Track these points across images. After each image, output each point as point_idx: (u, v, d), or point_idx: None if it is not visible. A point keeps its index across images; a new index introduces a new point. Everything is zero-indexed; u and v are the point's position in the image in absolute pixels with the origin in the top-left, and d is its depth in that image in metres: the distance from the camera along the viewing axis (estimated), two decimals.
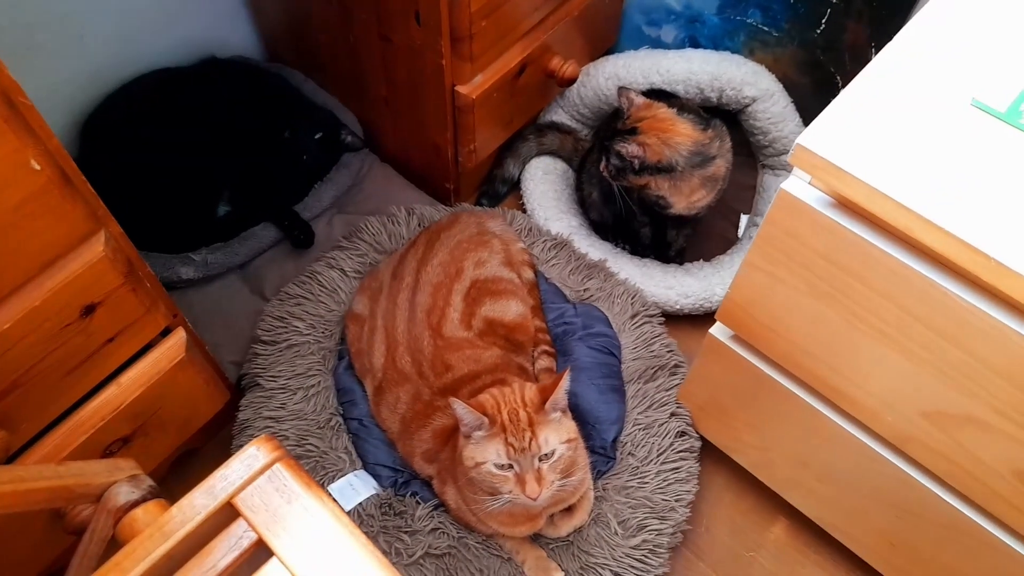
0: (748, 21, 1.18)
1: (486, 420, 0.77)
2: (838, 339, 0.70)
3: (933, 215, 0.55)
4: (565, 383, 0.78)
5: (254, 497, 0.56)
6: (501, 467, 0.77)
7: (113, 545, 0.59)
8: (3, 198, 0.59)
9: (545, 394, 0.79)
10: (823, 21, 1.10)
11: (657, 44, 1.31)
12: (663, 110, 1.01)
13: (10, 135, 0.57)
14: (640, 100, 1.03)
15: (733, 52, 1.23)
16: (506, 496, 0.78)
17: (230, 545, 0.54)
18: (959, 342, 0.60)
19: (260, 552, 0.55)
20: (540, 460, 0.77)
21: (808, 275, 0.67)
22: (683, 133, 1.00)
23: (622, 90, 1.05)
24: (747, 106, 1.20)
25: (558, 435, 0.79)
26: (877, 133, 0.59)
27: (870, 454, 0.77)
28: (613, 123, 1.07)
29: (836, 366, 0.73)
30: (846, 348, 0.70)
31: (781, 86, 1.20)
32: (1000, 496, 0.68)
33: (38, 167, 0.60)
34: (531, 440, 0.77)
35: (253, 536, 0.55)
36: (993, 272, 0.54)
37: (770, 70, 1.21)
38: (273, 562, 0.54)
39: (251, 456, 0.58)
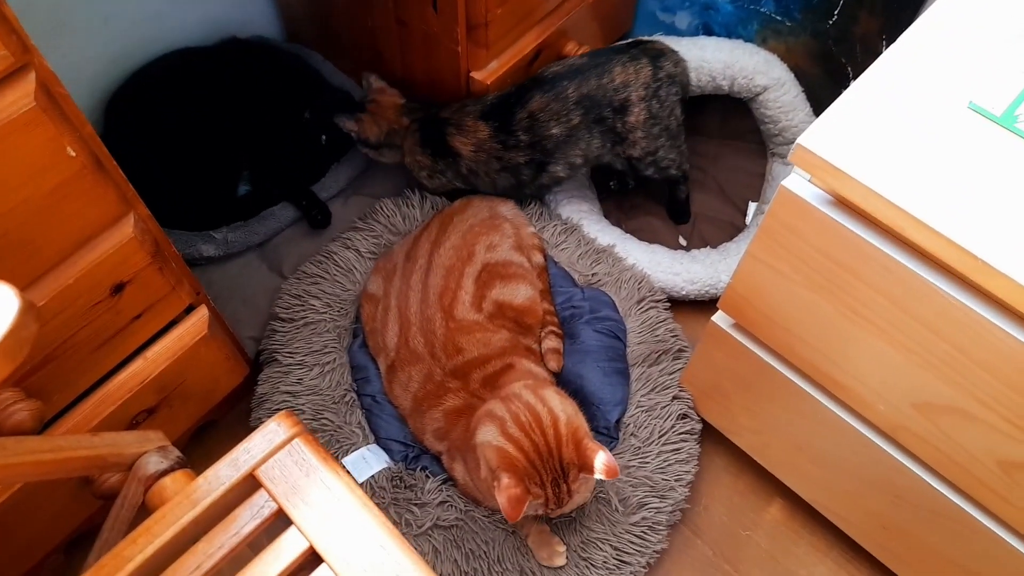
0: (762, 10, 1.19)
1: (527, 497, 0.78)
2: (833, 330, 0.72)
3: (925, 215, 0.57)
4: (610, 475, 0.79)
5: (274, 469, 0.60)
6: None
7: (143, 511, 0.63)
8: (41, 182, 0.62)
9: (587, 468, 0.79)
10: (836, 12, 1.10)
11: (671, 30, 1.32)
12: (387, 96, 1.14)
13: (48, 124, 0.60)
14: (377, 84, 1.15)
15: (746, 41, 1.24)
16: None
17: (252, 514, 0.58)
18: (946, 336, 0.63)
19: (280, 521, 0.59)
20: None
21: (806, 269, 0.70)
22: (389, 117, 1.12)
23: (365, 73, 1.16)
24: (758, 95, 1.21)
25: (587, 492, 0.84)
26: (876, 134, 0.61)
27: (862, 441, 0.80)
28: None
29: (831, 356, 0.75)
30: (841, 339, 0.72)
31: (792, 75, 1.21)
32: (984, 484, 0.71)
33: (73, 153, 0.63)
34: (566, 501, 0.82)
35: (274, 506, 0.59)
36: (980, 272, 0.56)
37: (782, 59, 1.22)
38: (292, 530, 0.58)
39: (272, 431, 0.61)
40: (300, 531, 0.58)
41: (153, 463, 0.62)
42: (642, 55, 1.06)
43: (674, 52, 1.11)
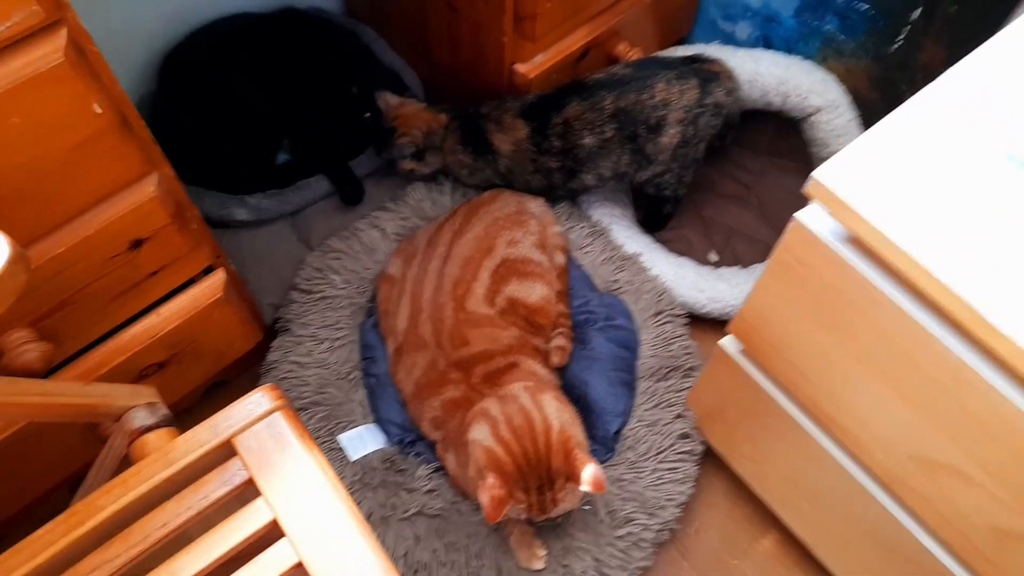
0: (825, 28, 1.15)
1: (511, 501, 0.79)
2: (837, 370, 0.70)
3: (937, 268, 0.55)
4: (597, 489, 0.78)
5: (251, 440, 0.61)
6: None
7: (126, 463, 0.65)
8: (66, 137, 0.64)
9: (574, 477, 0.79)
10: (901, 37, 1.06)
11: (730, 40, 1.29)
12: (409, 106, 1.15)
13: (77, 80, 0.62)
14: (394, 100, 1.16)
15: (806, 58, 1.20)
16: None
17: (224, 480, 0.60)
18: (952, 394, 0.60)
19: (249, 490, 0.60)
20: None
21: (815, 304, 0.68)
22: (423, 121, 1.13)
23: (378, 93, 1.16)
24: (811, 115, 1.17)
25: (573, 501, 0.83)
26: (898, 176, 0.59)
27: (857, 486, 0.77)
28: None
29: (833, 395, 0.73)
30: (844, 380, 0.70)
31: (848, 99, 1.17)
32: (977, 549, 0.68)
33: (100, 111, 0.65)
34: (550, 510, 0.82)
35: (245, 475, 0.60)
36: (988, 333, 0.53)
37: (840, 81, 1.17)
38: (259, 501, 0.59)
39: (255, 402, 0.63)
40: (267, 503, 0.59)
41: (140, 418, 0.64)
42: (692, 75, 1.03)
43: (731, 79, 1.07)
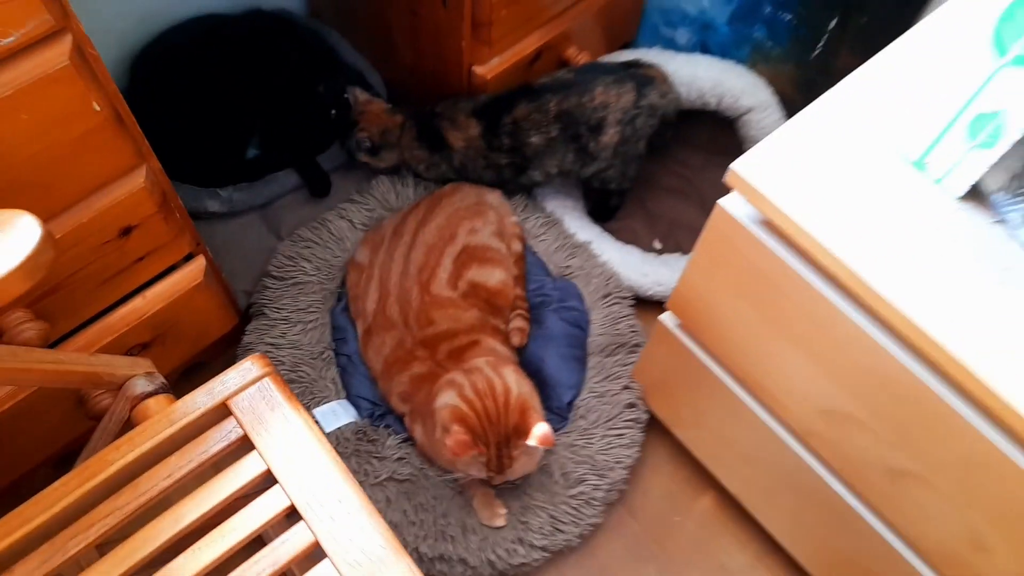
0: (754, 35, 1.26)
1: (473, 451, 0.88)
2: (758, 337, 0.81)
3: (830, 243, 0.65)
4: (544, 444, 0.89)
5: (244, 401, 0.69)
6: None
7: (127, 427, 0.72)
8: (67, 131, 0.71)
9: (526, 431, 0.89)
10: (820, 45, 1.18)
11: (671, 44, 1.40)
12: (374, 104, 1.24)
13: (78, 80, 0.68)
14: (363, 97, 1.24)
15: (739, 62, 1.31)
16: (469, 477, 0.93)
17: (220, 437, 0.67)
18: (848, 352, 0.71)
19: (244, 446, 0.68)
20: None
21: (738, 279, 0.78)
22: (382, 119, 1.22)
23: (350, 88, 1.25)
24: (743, 115, 1.29)
25: (529, 464, 0.94)
26: (802, 167, 0.69)
27: (779, 442, 0.88)
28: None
29: (755, 360, 0.84)
30: (763, 345, 0.81)
31: (777, 100, 1.28)
32: (875, 487, 0.79)
33: (98, 108, 0.72)
34: (508, 467, 0.91)
35: (240, 432, 0.68)
36: (875, 299, 0.64)
37: (770, 84, 1.29)
38: (253, 455, 0.67)
39: (246, 369, 0.70)
40: (260, 455, 0.67)
41: (140, 385, 0.71)
42: (629, 79, 1.13)
43: (665, 82, 1.18)
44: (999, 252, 0.65)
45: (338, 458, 0.67)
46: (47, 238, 0.52)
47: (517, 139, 1.13)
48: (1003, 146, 0.60)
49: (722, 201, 0.74)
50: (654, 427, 1.15)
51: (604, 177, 1.21)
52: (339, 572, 0.62)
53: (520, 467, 0.93)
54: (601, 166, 1.18)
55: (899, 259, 0.65)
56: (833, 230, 0.66)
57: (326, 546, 0.63)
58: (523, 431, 0.89)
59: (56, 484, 0.64)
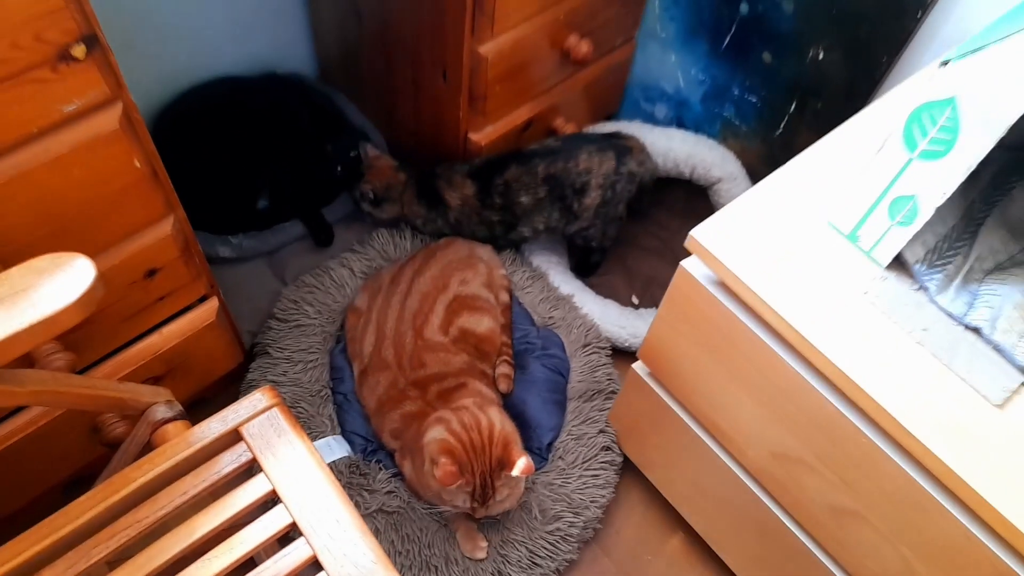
0: (724, 113, 1.39)
1: (460, 481, 0.96)
2: (716, 384, 0.90)
3: (773, 301, 0.75)
4: (526, 472, 0.97)
5: (254, 428, 0.77)
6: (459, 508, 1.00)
7: (146, 449, 0.80)
8: (111, 184, 0.80)
9: (509, 464, 0.98)
10: (782, 125, 1.30)
11: (651, 118, 1.53)
12: (383, 160, 1.36)
13: (125, 141, 0.78)
14: (373, 153, 1.36)
15: (710, 136, 1.44)
16: (454, 509, 1.01)
17: (232, 459, 0.75)
18: (791, 398, 0.80)
19: (253, 467, 0.76)
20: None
21: (697, 332, 0.88)
22: (387, 175, 1.33)
23: (362, 143, 1.37)
24: (713, 184, 1.41)
25: (512, 492, 1.02)
26: (752, 235, 0.80)
27: (738, 481, 0.96)
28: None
29: (714, 405, 0.93)
30: (721, 392, 0.90)
31: (744, 172, 1.40)
32: (822, 525, 0.87)
33: (139, 165, 0.82)
34: (491, 498, 0.99)
35: (249, 455, 0.76)
36: (811, 352, 0.74)
37: (738, 157, 1.41)
38: (260, 476, 0.75)
39: (257, 399, 0.79)
40: (267, 477, 0.74)
41: (161, 411, 0.79)
42: (610, 148, 1.25)
43: (643, 151, 1.30)
44: (919, 315, 0.75)
45: (336, 482, 0.75)
46: (100, 278, 0.62)
47: (508, 198, 1.24)
48: (918, 224, 0.71)
49: (684, 262, 0.84)
50: (629, 470, 1.23)
51: (586, 235, 1.32)
52: None
53: (503, 499, 1.01)
54: (583, 224, 1.29)
55: (834, 318, 0.75)
56: (777, 291, 0.76)
57: (323, 560, 0.70)
58: (506, 463, 0.97)
59: (83, 498, 0.71)
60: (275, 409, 0.79)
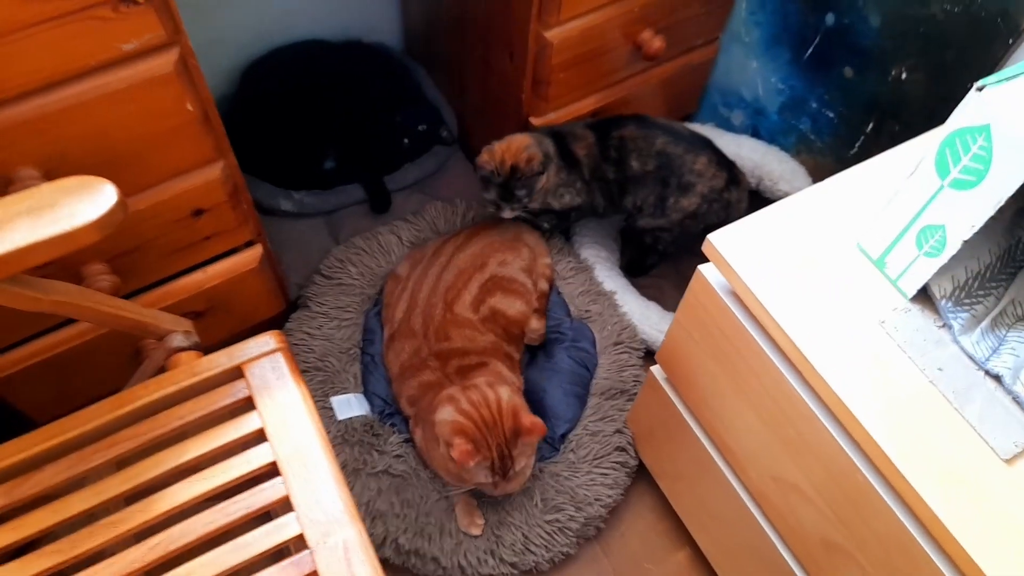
0: (800, 127, 1.33)
1: (477, 456, 0.98)
2: (723, 397, 0.87)
3: (784, 321, 0.72)
4: (538, 431, 1.00)
5: (256, 367, 0.80)
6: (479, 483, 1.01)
7: (161, 372, 0.85)
8: (163, 123, 0.86)
9: (522, 431, 1.00)
10: (857, 144, 1.23)
11: (726, 124, 1.48)
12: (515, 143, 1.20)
13: (179, 84, 0.83)
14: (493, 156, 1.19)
15: (784, 148, 1.38)
16: (476, 487, 1.02)
17: (231, 393, 0.79)
18: (792, 421, 0.77)
19: (248, 405, 0.79)
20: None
21: (710, 340, 0.85)
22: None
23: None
24: (779, 199, 1.34)
25: (527, 458, 1.03)
26: (772, 247, 0.76)
27: (739, 500, 0.93)
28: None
29: (722, 419, 0.90)
30: (728, 406, 0.87)
31: None
32: (814, 559, 0.83)
33: (191, 108, 0.87)
34: (511, 468, 1.01)
35: (247, 393, 0.79)
36: (814, 377, 0.70)
37: (810, 173, 1.35)
38: (254, 414, 0.78)
39: (264, 342, 0.83)
40: (260, 415, 0.78)
41: (178, 340, 0.84)
42: (727, 170, 1.24)
43: (746, 190, 1.27)
44: (937, 353, 0.70)
45: (323, 432, 0.77)
46: (121, 203, 0.66)
47: (621, 155, 1.22)
48: (945, 256, 0.66)
49: (702, 267, 0.82)
50: (644, 477, 1.21)
51: (659, 236, 1.30)
52: (301, 525, 0.72)
53: (521, 469, 1.02)
54: (664, 224, 1.27)
55: (844, 344, 0.71)
56: (788, 308, 0.72)
57: (294, 501, 0.73)
58: (519, 430, 0.99)
59: (91, 407, 0.77)
60: (279, 353, 0.82)
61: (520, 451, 1.01)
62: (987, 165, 0.58)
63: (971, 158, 0.59)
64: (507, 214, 1.22)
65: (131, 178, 0.89)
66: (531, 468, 1.07)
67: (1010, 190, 0.57)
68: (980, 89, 0.57)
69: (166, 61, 0.81)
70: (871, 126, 1.19)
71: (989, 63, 0.98)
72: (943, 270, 0.68)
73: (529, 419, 1.00)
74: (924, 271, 0.69)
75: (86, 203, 0.65)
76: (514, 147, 1.18)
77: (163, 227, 0.97)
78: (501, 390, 1.03)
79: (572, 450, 1.16)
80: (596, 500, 1.13)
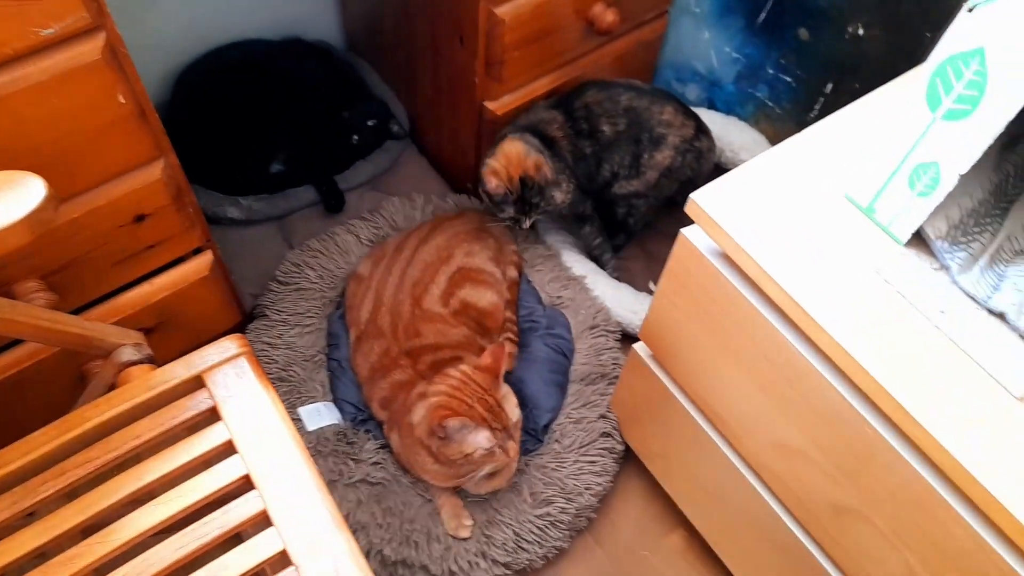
0: (757, 95, 1.32)
1: (470, 422, 0.93)
2: (716, 366, 0.83)
3: (778, 274, 0.69)
4: (504, 361, 0.96)
5: (218, 375, 0.74)
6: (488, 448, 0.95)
7: (111, 390, 0.77)
8: (93, 118, 0.78)
9: (493, 373, 0.96)
10: (817, 107, 1.22)
11: (682, 99, 1.46)
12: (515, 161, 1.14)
13: (108, 73, 0.76)
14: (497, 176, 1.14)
15: (743, 119, 1.37)
16: (488, 469, 0.97)
17: (192, 406, 0.73)
18: (793, 384, 0.73)
19: (212, 416, 0.73)
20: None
21: (697, 307, 0.81)
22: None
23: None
24: None
25: (512, 401, 0.98)
26: (758, 202, 0.73)
27: (737, 473, 0.90)
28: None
29: (714, 390, 0.86)
30: (720, 375, 0.83)
31: None
32: (821, 525, 0.80)
33: (123, 101, 0.79)
34: (504, 417, 0.96)
35: (211, 403, 0.73)
36: (816, 331, 0.67)
37: (770, 141, 1.34)
38: (219, 425, 0.72)
39: (225, 347, 0.76)
40: (226, 427, 0.71)
41: (127, 353, 0.77)
42: (693, 119, 1.21)
43: (713, 141, 1.25)
44: (938, 296, 0.67)
45: (299, 437, 0.71)
46: (51, 198, 0.59)
47: (591, 124, 1.18)
48: (939, 195, 0.64)
49: (685, 230, 0.78)
50: (630, 461, 1.17)
51: (633, 204, 1.27)
52: (283, 540, 0.65)
53: (511, 411, 0.98)
54: (639, 188, 1.24)
55: (843, 296, 0.68)
56: (783, 264, 0.69)
57: (274, 516, 0.67)
58: (488, 374, 0.97)
59: (35, 433, 0.69)
60: (243, 358, 0.75)
61: (504, 396, 0.98)
62: (982, 91, 0.56)
63: (965, 85, 0.57)
64: (526, 225, 1.18)
65: (62, 182, 0.81)
66: (517, 462, 1.03)
67: (1009, 116, 0.55)
68: (971, 10, 0.54)
69: (92, 48, 0.74)
70: (830, 87, 1.18)
71: (945, 11, 0.98)
72: (937, 210, 0.66)
73: (486, 356, 0.98)
74: (918, 213, 0.66)
75: (10, 201, 0.58)
76: (513, 158, 1.13)
77: (102, 236, 0.89)
78: (463, 365, 0.98)
79: (557, 440, 1.11)
80: (586, 489, 1.09)
